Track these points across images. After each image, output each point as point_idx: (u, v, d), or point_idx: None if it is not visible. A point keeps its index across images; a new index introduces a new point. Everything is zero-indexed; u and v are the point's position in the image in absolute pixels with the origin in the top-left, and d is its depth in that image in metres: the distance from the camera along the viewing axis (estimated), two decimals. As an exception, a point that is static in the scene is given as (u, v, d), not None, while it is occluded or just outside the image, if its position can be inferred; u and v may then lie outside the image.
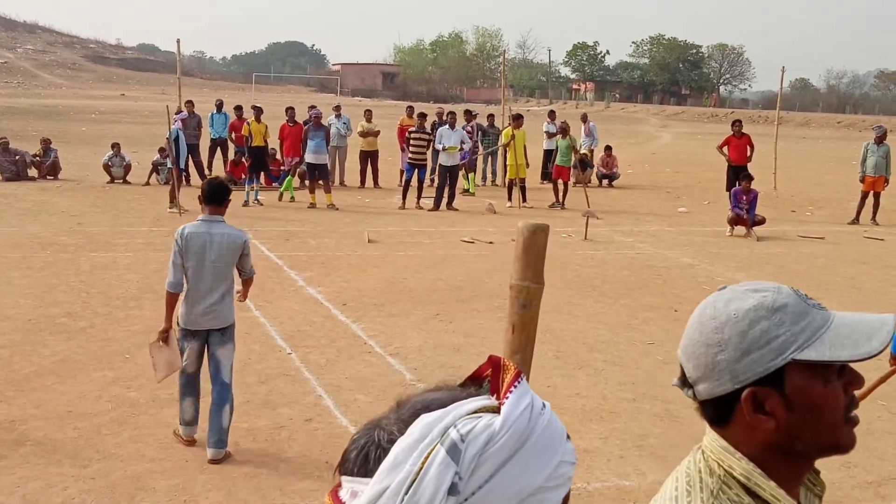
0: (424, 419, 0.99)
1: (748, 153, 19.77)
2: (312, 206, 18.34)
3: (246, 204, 18.26)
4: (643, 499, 5.76)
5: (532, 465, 0.99)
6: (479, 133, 23.13)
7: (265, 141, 19.43)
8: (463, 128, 20.56)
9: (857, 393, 1.42)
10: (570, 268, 12.77)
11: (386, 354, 8.60)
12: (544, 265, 2.54)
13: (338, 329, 9.44)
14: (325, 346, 8.83)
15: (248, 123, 19.45)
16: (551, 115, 24.44)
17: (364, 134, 21.82)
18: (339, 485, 1.04)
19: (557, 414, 1.07)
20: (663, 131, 56.71)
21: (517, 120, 19.84)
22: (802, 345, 1.35)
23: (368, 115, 22.62)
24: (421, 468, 0.94)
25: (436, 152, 19.14)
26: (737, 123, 20.32)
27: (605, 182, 24.31)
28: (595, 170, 24.36)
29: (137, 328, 9.08)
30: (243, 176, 19.65)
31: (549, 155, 21.94)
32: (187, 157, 18.68)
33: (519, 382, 1.03)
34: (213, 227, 6.27)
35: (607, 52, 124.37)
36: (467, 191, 21.43)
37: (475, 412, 0.99)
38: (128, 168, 21.27)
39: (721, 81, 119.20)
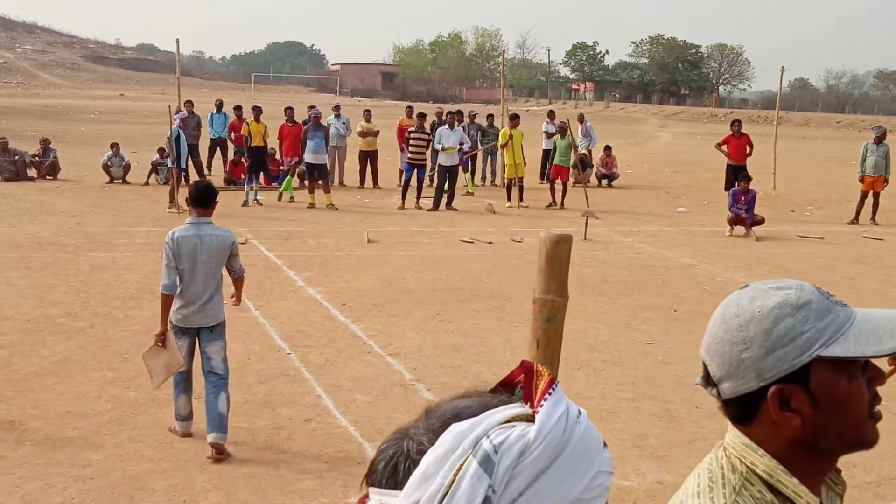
0: (455, 429, 0.95)
1: (748, 151, 19.76)
2: (312, 206, 18.34)
3: (245, 204, 18.26)
4: (643, 499, 5.76)
5: (569, 476, 0.95)
6: (479, 133, 23.14)
7: (264, 141, 19.43)
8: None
9: None
10: (570, 268, 12.75)
11: (385, 354, 8.60)
12: (567, 277, 2.51)
13: (337, 329, 9.44)
14: (324, 346, 8.83)
15: (247, 123, 19.45)
16: (550, 115, 24.44)
17: (363, 134, 21.82)
18: (367, 496, 1.01)
19: None
20: (662, 131, 56.71)
21: (514, 120, 19.84)
22: (827, 341, 1.35)
23: (368, 115, 22.62)
24: (453, 481, 0.91)
25: (435, 152, 19.14)
26: (736, 123, 20.32)
27: (604, 182, 24.31)
28: (594, 170, 24.36)
29: (137, 328, 9.08)
30: (243, 176, 19.65)
31: (548, 155, 21.92)
32: (187, 157, 18.66)
33: (553, 389, 1.00)
34: (202, 230, 6.42)
35: (606, 52, 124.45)
36: (469, 192, 21.42)
37: (508, 421, 0.96)
38: (127, 168, 21.26)
39: (720, 81, 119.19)
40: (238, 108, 22.53)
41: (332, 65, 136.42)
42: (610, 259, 13.74)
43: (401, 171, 20.80)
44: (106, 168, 21.05)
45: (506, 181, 20.43)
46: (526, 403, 1.00)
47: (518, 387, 1.05)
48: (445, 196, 18.72)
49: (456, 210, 18.56)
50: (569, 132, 20.01)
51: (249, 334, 9.11)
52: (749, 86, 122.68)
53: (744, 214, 16.29)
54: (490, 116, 24.29)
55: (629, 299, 11.21)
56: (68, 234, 14.14)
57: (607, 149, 24.69)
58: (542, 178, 23.20)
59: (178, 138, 17.56)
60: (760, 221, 16.46)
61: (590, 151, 24.39)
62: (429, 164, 19.81)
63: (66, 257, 12.44)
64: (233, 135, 21.74)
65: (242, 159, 20.05)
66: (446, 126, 19.27)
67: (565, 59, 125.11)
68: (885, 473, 6.17)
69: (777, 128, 26.51)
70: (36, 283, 10.89)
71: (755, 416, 1.41)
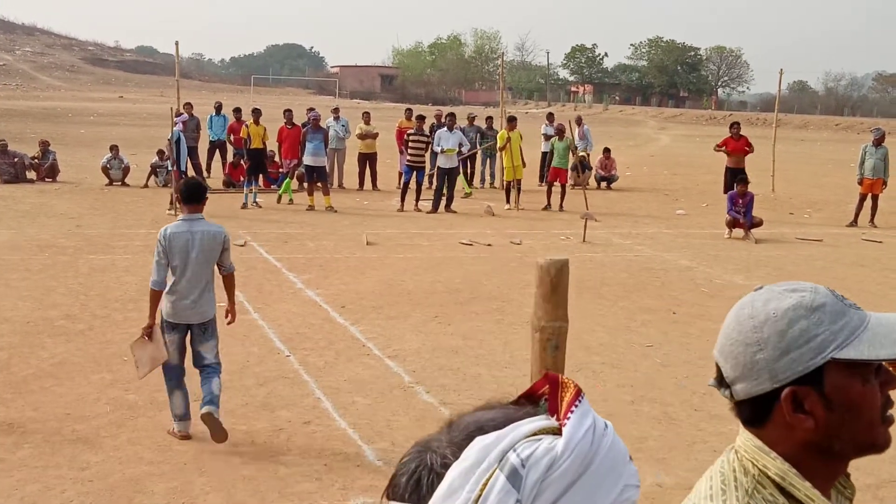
0: (480, 442, 0.93)
1: (747, 150, 19.67)
2: (311, 208, 18.34)
3: (244, 206, 18.26)
4: (642, 501, 5.75)
5: (597, 489, 0.93)
6: (478, 135, 23.14)
7: (264, 143, 19.43)
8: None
9: None
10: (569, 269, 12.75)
11: (384, 357, 8.60)
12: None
13: (336, 331, 9.44)
14: (323, 348, 8.83)
15: (246, 126, 19.45)
16: (549, 117, 24.45)
17: (362, 136, 21.82)
18: None
19: None
20: (661, 133, 56.75)
21: (511, 122, 19.87)
22: (841, 344, 1.36)
23: (367, 117, 22.62)
24: (479, 495, 0.89)
25: (434, 154, 19.14)
26: (735, 126, 20.30)
27: (603, 184, 24.33)
28: (593, 172, 24.37)
29: (136, 330, 9.00)
30: (242, 178, 19.65)
31: (547, 157, 21.91)
32: (187, 160, 18.67)
33: (580, 401, 0.98)
34: (194, 226, 6.58)
35: (605, 54, 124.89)
36: (467, 194, 21.42)
37: (534, 434, 0.94)
38: (126, 170, 21.26)
39: (719, 84, 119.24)
40: (237, 111, 22.53)
41: (332, 67, 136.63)
42: (609, 261, 13.74)
43: (400, 174, 20.81)
44: (105, 170, 21.04)
45: (504, 184, 20.44)
46: (552, 416, 0.99)
47: (542, 399, 1.03)
48: (444, 198, 18.73)
49: (455, 212, 18.57)
50: (566, 134, 20.03)
51: (248, 336, 9.11)
52: (748, 88, 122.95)
53: (742, 219, 16.29)
54: (489, 119, 24.30)
55: (628, 301, 11.22)
56: (67, 237, 14.14)
57: (606, 151, 24.70)
58: (541, 180, 23.20)
59: (178, 141, 17.57)
60: (759, 223, 16.47)
61: (587, 154, 24.39)
62: (428, 165, 19.80)
63: (66, 259, 12.44)
64: (232, 137, 21.75)
65: (242, 161, 20.05)
66: (445, 128, 19.29)
67: (564, 62, 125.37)
68: (885, 476, 6.18)
69: (776, 130, 26.53)
70: (35, 286, 10.90)
71: (768, 417, 1.41)
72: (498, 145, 20.35)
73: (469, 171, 23.31)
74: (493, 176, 23.72)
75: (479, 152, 23.24)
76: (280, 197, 19.47)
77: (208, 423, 6.31)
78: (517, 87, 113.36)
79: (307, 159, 18.56)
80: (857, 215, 18.66)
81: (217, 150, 23.21)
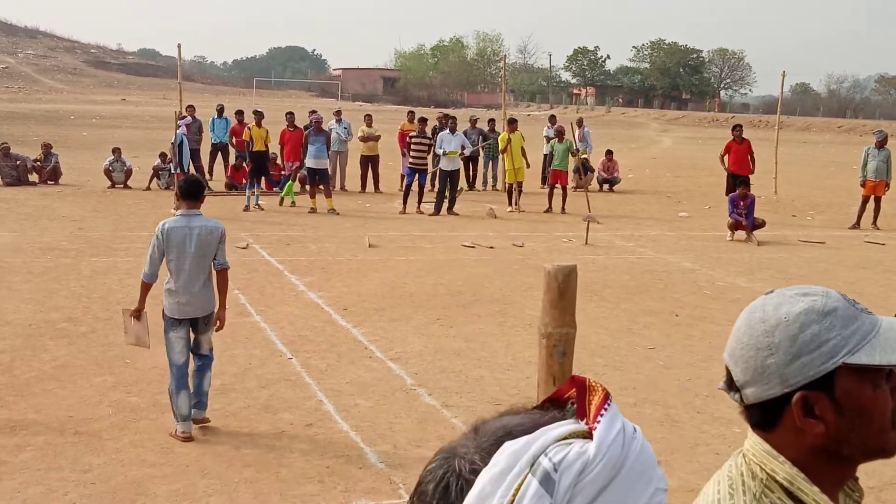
0: (510, 447, 0.92)
1: (750, 164, 19.44)
2: (313, 210, 18.35)
3: (247, 209, 18.27)
4: None
5: (628, 493, 0.93)
6: (480, 138, 23.14)
7: (266, 146, 19.43)
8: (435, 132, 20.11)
9: None
10: (571, 272, 12.75)
11: (386, 359, 8.60)
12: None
13: (338, 334, 9.44)
14: (325, 350, 8.82)
15: (249, 128, 19.45)
16: (552, 119, 24.45)
17: (364, 139, 21.82)
18: None
19: None
20: (664, 136, 56.74)
21: (512, 124, 19.87)
22: (853, 349, 1.35)
23: (369, 119, 22.63)
24: (512, 500, 0.88)
25: (436, 157, 19.15)
26: (737, 128, 20.23)
27: (605, 187, 24.33)
28: (596, 174, 24.37)
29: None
30: (244, 181, 19.66)
31: (548, 159, 21.90)
32: (189, 162, 18.70)
33: (609, 405, 0.97)
34: (191, 221, 6.75)
35: (608, 56, 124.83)
36: (460, 190, 21.25)
37: (564, 438, 0.93)
38: (129, 173, 21.27)
39: (722, 86, 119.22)
40: (240, 113, 22.54)
41: (334, 70, 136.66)
42: (611, 264, 13.73)
43: (402, 176, 20.81)
44: (107, 173, 21.06)
45: (506, 186, 20.44)
46: (580, 420, 0.98)
47: (569, 403, 1.02)
48: (446, 201, 18.73)
49: (457, 215, 18.57)
50: (566, 136, 20.04)
51: (251, 339, 9.11)
52: (750, 90, 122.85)
53: (744, 222, 16.28)
54: (491, 121, 24.30)
55: (630, 304, 11.21)
56: (70, 239, 14.15)
57: (609, 153, 24.71)
58: (543, 182, 23.21)
59: (180, 144, 17.60)
60: (761, 224, 16.46)
61: (588, 156, 24.38)
62: (429, 167, 19.78)
63: (68, 262, 12.45)
64: (234, 140, 21.75)
65: (244, 164, 20.07)
66: (447, 131, 19.30)
67: (567, 64, 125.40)
68: (887, 478, 6.17)
69: (778, 132, 26.53)
70: (37, 288, 10.90)
71: (778, 422, 1.41)
72: (499, 147, 20.35)
73: (471, 174, 23.33)
74: (495, 178, 23.72)
75: (482, 154, 23.24)
76: (282, 199, 19.48)
77: (195, 422, 6.57)
78: (519, 90, 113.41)
79: (309, 162, 18.57)
80: (859, 217, 18.65)
81: (219, 153, 23.25)
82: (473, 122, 24.10)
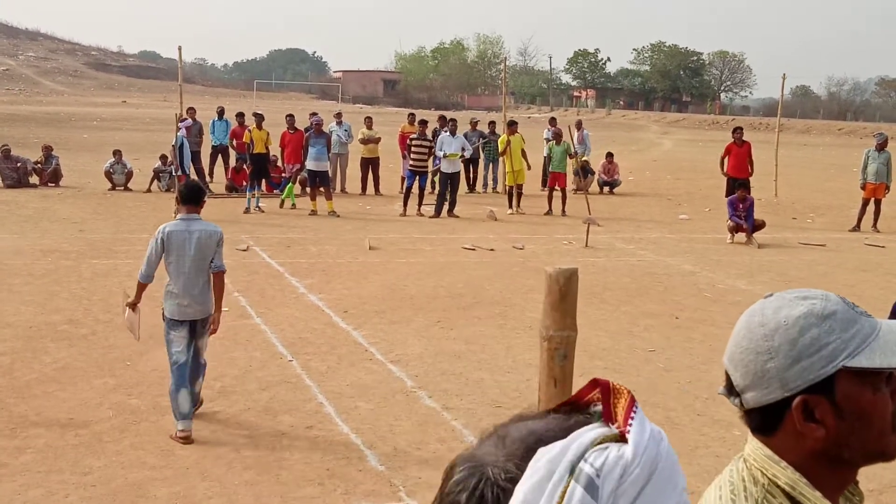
0: (545, 454, 0.92)
1: (749, 167, 19.44)
2: (313, 213, 18.36)
3: (247, 211, 18.28)
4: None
5: (661, 494, 0.93)
6: (480, 140, 23.15)
7: (266, 148, 19.45)
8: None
9: None
10: (571, 275, 12.74)
11: (387, 362, 8.60)
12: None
13: (339, 336, 9.44)
14: (326, 353, 8.83)
15: (249, 130, 19.46)
16: (552, 121, 24.46)
17: (365, 141, 21.83)
18: None
19: None
20: (664, 138, 56.75)
21: (512, 126, 19.89)
22: (853, 352, 1.35)
23: (369, 122, 22.64)
24: None
25: (435, 159, 19.16)
26: (738, 131, 20.21)
27: (606, 189, 24.34)
28: (596, 177, 24.38)
29: (136, 339, 9.08)
30: (244, 183, 19.68)
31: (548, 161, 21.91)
32: (190, 164, 18.71)
33: (636, 408, 0.98)
34: (191, 225, 6.91)
35: (608, 59, 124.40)
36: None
37: (599, 443, 0.94)
38: (129, 175, 21.28)
39: (722, 88, 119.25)
40: (240, 116, 22.55)
41: (334, 72, 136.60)
42: (612, 266, 13.74)
43: (402, 178, 20.82)
44: (108, 175, 21.08)
45: (507, 188, 20.45)
46: (606, 423, 0.98)
47: (589, 406, 1.02)
48: (447, 203, 18.74)
49: (458, 217, 18.58)
50: (564, 138, 20.07)
51: (251, 341, 9.11)
52: (751, 93, 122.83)
53: (745, 224, 16.28)
54: (492, 123, 24.32)
55: (631, 306, 11.21)
56: (70, 241, 14.15)
57: (609, 156, 24.71)
58: (543, 185, 23.22)
59: (181, 146, 17.62)
60: (761, 225, 16.47)
61: (588, 159, 24.38)
62: (430, 168, 19.77)
63: (69, 264, 12.46)
64: (234, 142, 21.76)
65: (244, 166, 20.08)
66: (448, 133, 19.31)
67: (567, 67, 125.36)
68: (887, 481, 6.17)
69: (778, 135, 26.52)
70: (38, 290, 10.91)
71: (778, 426, 1.40)
72: (499, 150, 20.37)
73: (472, 176, 23.34)
74: (495, 180, 23.73)
75: (482, 157, 23.26)
76: (283, 201, 19.49)
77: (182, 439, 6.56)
78: (520, 92, 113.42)
79: (310, 164, 18.59)
80: (859, 220, 18.65)
81: (219, 155, 23.26)
82: (474, 124, 24.12)
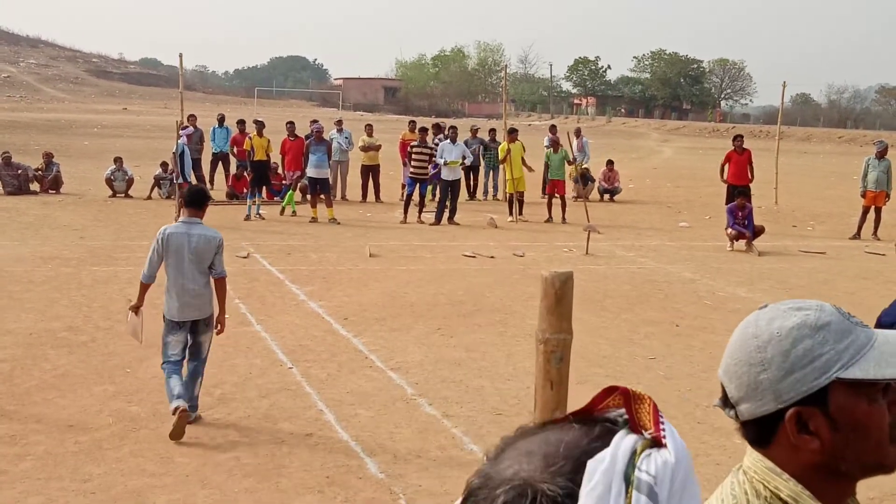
0: (597, 466, 0.92)
1: (749, 174, 19.47)
2: (314, 220, 18.37)
3: (248, 218, 18.29)
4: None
5: (694, 494, 0.95)
6: (481, 147, 23.20)
7: (267, 155, 19.47)
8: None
9: None
10: (572, 282, 12.75)
11: (387, 369, 8.59)
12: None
13: (339, 343, 9.44)
14: (326, 360, 8.82)
15: (250, 138, 19.49)
16: (552, 129, 24.48)
17: (365, 148, 21.85)
18: None
19: None
20: (664, 146, 56.79)
21: (512, 134, 19.92)
22: (847, 363, 1.34)
23: (370, 129, 22.66)
24: None
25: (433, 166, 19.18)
26: (738, 139, 20.23)
27: (606, 196, 24.35)
28: (597, 184, 24.40)
29: (139, 342, 9.08)
30: (245, 190, 19.69)
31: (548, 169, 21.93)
32: (191, 172, 18.73)
33: (661, 413, 1.00)
34: (191, 228, 7.08)
35: (608, 66, 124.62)
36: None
37: (641, 450, 0.95)
38: (130, 182, 21.30)
39: (722, 96, 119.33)
40: (241, 123, 22.57)
41: (335, 79, 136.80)
42: (612, 274, 13.74)
43: (403, 186, 20.83)
44: (109, 182, 21.10)
45: (507, 196, 20.46)
46: (635, 430, 0.98)
47: (602, 414, 1.02)
48: (447, 210, 18.75)
49: (458, 224, 18.58)
50: (561, 146, 20.11)
51: (251, 348, 9.11)
52: (751, 101, 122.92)
53: (747, 233, 16.28)
54: (492, 131, 24.36)
55: (631, 314, 11.21)
56: (71, 248, 14.16)
57: (610, 163, 24.74)
58: (543, 192, 23.23)
59: (182, 153, 17.64)
60: (760, 230, 16.48)
61: (588, 167, 24.40)
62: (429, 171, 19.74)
63: (69, 271, 12.46)
64: (235, 149, 21.78)
65: (245, 173, 20.09)
66: (448, 140, 19.33)
67: (567, 74, 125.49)
68: (888, 489, 6.16)
69: (779, 143, 26.56)
70: (38, 297, 10.91)
71: (773, 438, 1.39)
72: (499, 157, 20.40)
73: (472, 183, 23.36)
74: (496, 188, 23.76)
75: (483, 164, 23.30)
76: (283, 209, 19.49)
77: (179, 420, 6.59)
78: (520, 100, 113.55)
79: (310, 171, 18.60)
80: (860, 228, 18.65)
81: (220, 162, 23.28)
82: (474, 131, 24.16)
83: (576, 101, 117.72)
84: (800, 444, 1.36)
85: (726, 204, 18.94)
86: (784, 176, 25.97)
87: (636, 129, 74.94)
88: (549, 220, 19.63)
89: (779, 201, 23.45)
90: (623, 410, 1.01)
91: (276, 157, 20.76)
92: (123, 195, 21.02)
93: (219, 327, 7.28)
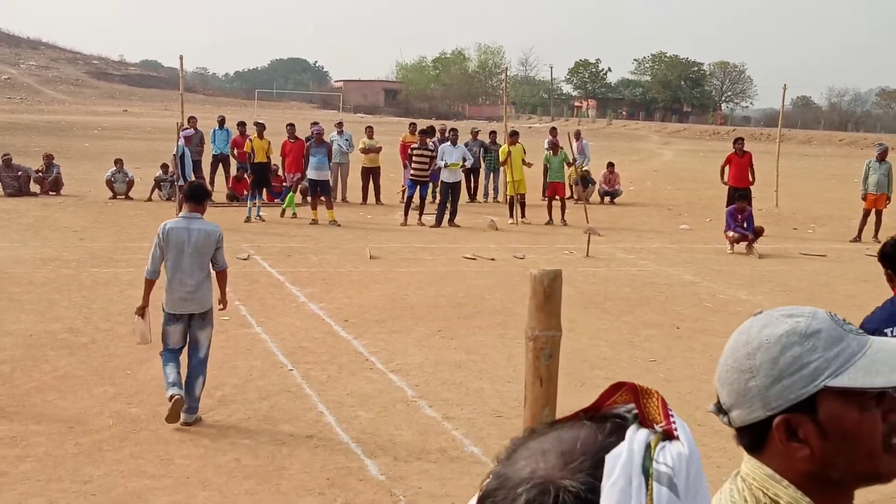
0: (616, 461, 0.93)
1: (750, 177, 19.47)
2: (314, 222, 18.37)
3: (248, 220, 18.29)
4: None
5: (705, 485, 0.97)
6: (481, 150, 23.21)
7: (268, 157, 19.48)
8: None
9: None
10: (572, 285, 12.75)
11: (387, 371, 8.59)
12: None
13: (339, 345, 9.44)
14: (326, 362, 8.82)
15: (250, 140, 19.49)
16: (553, 131, 24.50)
17: (366, 150, 21.85)
18: None
19: None
20: (665, 148, 56.81)
21: (513, 136, 19.92)
22: (835, 371, 1.32)
23: (370, 131, 22.65)
24: None
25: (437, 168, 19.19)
26: (739, 141, 20.19)
27: (606, 199, 24.36)
28: (597, 186, 24.41)
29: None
30: (245, 192, 19.70)
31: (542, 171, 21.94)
32: (192, 174, 18.72)
33: (669, 406, 1.01)
34: (191, 223, 7.22)
35: (609, 69, 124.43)
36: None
37: (654, 443, 0.96)
38: (130, 184, 21.31)
39: (723, 99, 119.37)
40: (242, 125, 22.56)
41: (335, 81, 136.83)
42: (612, 276, 13.74)
43: (403, 188, 20.82)
44: (109, 184, 21.11)
45: (507, 198, 20.47)
46: (645, 424, 0.99)
47: (610, 410, 1.03)
48: (448, 212, 18.76)
49: (458, 227, 18.59)
50: (561, 148, 20.11)
51: (251, 350, 9.11)
52: (751, 103, 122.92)
53: (750, 235, 16.29)
54: (493, 133, 24.36)
55: (631, 316, 11.20)
56: (71, 250, 14.16)
57: (610, 165, 24.75)
58: (542, 194, 23.23)
59: (182, 155, 17.65)
60: (760, 230, 16.48)
61: (588, 169, 24.40)
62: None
63: (69, 273, 12.46)
64: (236, 151, 21.78)
65: (245, 175, 20.09)
66: (449, 143, 19.34)
67: (568, 77, 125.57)
68: (888, 491, 6.15)
69: (779, 145, 26.54)
70: (38, 299, 10.91)
71: (765, 446, 1.39)
72: (499, 159, 20.40)
73: (473, 185, 23.37)
74: (496, 190, 23.77)
75: (483, 167, 23.32)
76: (283, 211, 19.50)
77: (174, 406, 6.82)
78: (521, 102, 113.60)
79: (311, 173, 18.60)
80: (860, 231, 18.65)
81: (220, 164, 23.28)
82: (475, 133, 24.17)
83: (576, 103, 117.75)
84: (789, 452, 1.35)
85: (727, 205, 18.95)
86: (785, 179, 25.97)
87: (637, 132, 74.97)
88: (550, 222, 19.64)
89: (779, 204, 23.44)
90: (631, 406, 1.02)
91: (276, 159, 20.77)
92: (124, 197, 21.03)
93: (221, 305, 7.49)
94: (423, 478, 6.19)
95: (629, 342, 9.99)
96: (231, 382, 8.07)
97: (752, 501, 1.39)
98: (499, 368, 8.77)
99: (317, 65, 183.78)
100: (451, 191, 18.80)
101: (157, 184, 21.21)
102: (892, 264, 4.94)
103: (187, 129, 20.39)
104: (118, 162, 21.35)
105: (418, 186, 18.86)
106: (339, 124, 22.77)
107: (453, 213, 18.85)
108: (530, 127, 69.26)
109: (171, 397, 6.84)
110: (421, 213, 18.84)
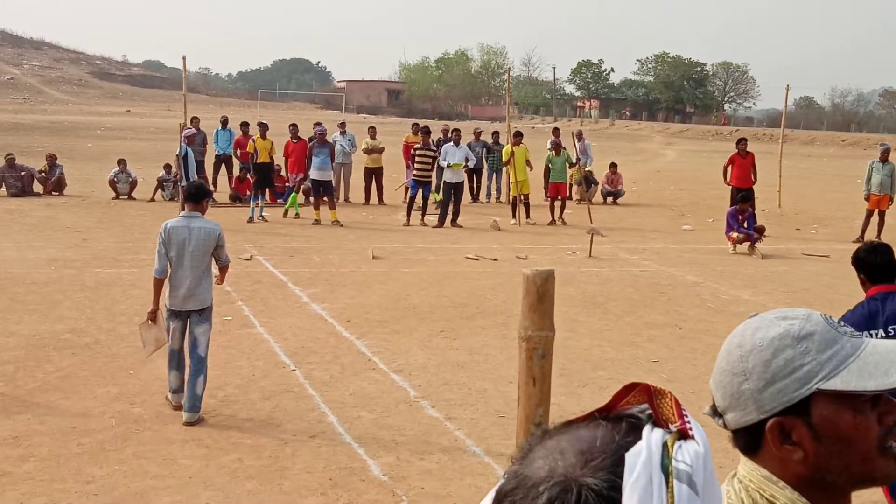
0: (636, 459, 0.94)
1: (752, 177, 19.47)
2: (317, 222, 18.37)
3: (251, 220, 18.30)
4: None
5: (718, 482, 0.99)
6: (484, 150, 23.22)
7: (270, 157, 19.48)
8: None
9: None
10: (575, 285, 12.76)
11: (390, 371, 8.59)
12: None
13: (342, 345, 9.44)
14: (329, 362, 8.82)
15: (253, 140, 19.50)
16: (555, 132, 24.49)
17: (368, 151, 21.86)
18: None
19: None
20: (668, 149, 56.78)
21: (516, 137, 19.92)
22: (828, 374, 1.32)
23: (373, 132, 22.65)
24: None
25: (440, 169, 19.21)
26: (742, 142, 20.17)
27: (609, 199, 24.35)
28: (600, 187, 24.40)
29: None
30: (248, 192, 19.70)
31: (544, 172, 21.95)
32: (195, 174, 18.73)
33: (682, 406, 1.02)
34: (192, 222, 7.35)
35: (612, 69, 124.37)
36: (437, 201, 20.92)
37: (670, 441, 0.97)
38: (133, 184, 21.33)
39: (726, 99, 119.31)
40: (244, 125, 22.57)
41: (338, 82, 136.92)
42: (615, 276, 13.73)
43: (406, 188, 20.82)
44: (112, 184, 21.13)
45: (510, 198, 20.47)
46: (660, 424, 1.01)
47: (624, 411, 1.04)
48: (450, 213, 18.76)
49: (461, 227, 18.59)
50: (564, 149, 20.11)
51: (254, 350, 9.11)
52: (754, 104, 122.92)
53: (755, 235, 16.28)
54: (495, 133, 24.37)
55: (634, 317, 11.20)
56: (74, 250, 14.17)
57: (613, 166, 24.74)
58: (545, 195, 23.23)
59: (185, 155, 17.66)
60: (762, 229, 16.48)
61: (591, 169, 24.41)
62: (434, 180, 19.77)
63: (72, 273, 12.47)
64: (238, 151, 21.80)
65: (248, 176, 20.10)
66: (451, 143, 19.34)
67: (571, 77, 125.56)
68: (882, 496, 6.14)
69: (782, 146, 26.49)
70: (41, 299, 10.92)
71: (759, 449, 1.39)
72: (502, 160, 20.41)
73: (475, 186, 23.38)
74: (499, 191, 23.78)
75: (486, 167, 23.33)
76: (286, 211, 19.51)
77: (188, 425, 7.01)
78: (523, 102, 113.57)
79: (313, 173, 18.61)
80: (863, 231, 18.62)
81: (223, 165, 23.30)
82: (477, 134, 24.18)
83: (579, 103, 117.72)
84: (783, 455, 1.35)
85: (730, 207, 18.95)
86: (787, 179, 25.93)
87: (639, 132, 74.95)
88: (553, 222, 19.64)
89: (782, 204, 23.43)
90: (644, 406, 1.04)
91: (279, 160, 20.77)
92: (127, 197, 21.04)
93: (217, 280, 7.71)
94: (425, 478, 6.19)
95: (632, 342, 9.98)
96: (234, 383, 8.08)
97: (748, 503, 1.39)
98: (501, 369, 8.77)
99: (320, 65, 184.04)
100: (454, 191, 18.80)
101: (160, 184, 21.22)
102: (865, 269, 4.99)
103: (188, 128, 20.41)
104: (121, 162, 21.37)
105: (421, 187, 18.85)
106: (342, 125, 22.78)
107: (456, 214, 18.85)
108: (533, 127, 69.24)
109: (173, 405, 7.27)
110: (423, 214, 18.83)
